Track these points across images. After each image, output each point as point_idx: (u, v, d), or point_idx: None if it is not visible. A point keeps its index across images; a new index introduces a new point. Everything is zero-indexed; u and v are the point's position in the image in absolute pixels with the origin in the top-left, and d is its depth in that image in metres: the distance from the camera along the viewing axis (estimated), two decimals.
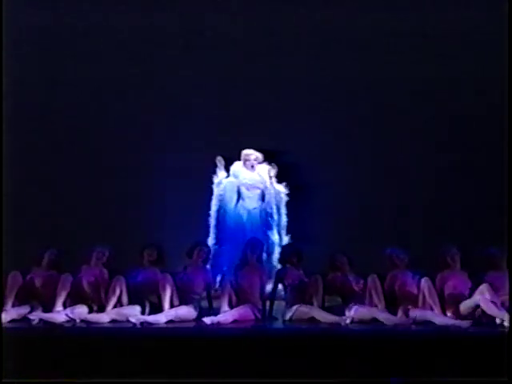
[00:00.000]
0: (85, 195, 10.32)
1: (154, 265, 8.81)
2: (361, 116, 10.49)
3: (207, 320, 8.10)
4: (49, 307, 8.42)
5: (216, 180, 10.19)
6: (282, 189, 10.22)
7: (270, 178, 10.16)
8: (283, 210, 10.14)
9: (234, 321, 8.27)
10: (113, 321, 8.25)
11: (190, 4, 10.27)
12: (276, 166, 10.14)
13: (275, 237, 10.07)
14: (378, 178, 10.43)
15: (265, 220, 10.12)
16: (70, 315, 8.16)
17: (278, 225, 10.12)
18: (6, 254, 8.46)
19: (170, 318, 8.28)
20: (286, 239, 10.09)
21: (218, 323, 8.10)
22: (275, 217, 10.14)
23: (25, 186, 10.08)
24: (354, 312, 8.25)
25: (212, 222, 10.12)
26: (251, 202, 10.17)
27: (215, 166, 10.18)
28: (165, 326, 8.14)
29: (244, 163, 10.26)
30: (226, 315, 8.29)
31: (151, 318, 8.18)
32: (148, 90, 10.41)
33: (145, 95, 10.41)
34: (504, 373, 7.10)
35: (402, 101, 10.42)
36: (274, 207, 10.16)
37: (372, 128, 10.48)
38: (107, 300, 8.42)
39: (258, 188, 10.23)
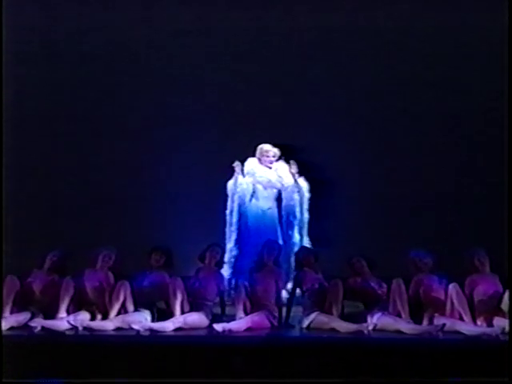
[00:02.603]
0: (91, 196, 10.15)
1: (162, 269, 8.43)
2: (385, 111, 10.25)
3: (218, 327, 7.69)
4: (50, 313, 8.03)
5: (234, 185, 9.60)
6: (304, 184, 9.70)
7: (293, 174, 9.59)
8: (305, 207, 9.64)
9: (248, 328, 7.86)
10: (117, 328, 7.86)
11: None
12: (295, 162, 9.60)
13: (296, 238, 9.58)
14: (404, 176, 10.14)
15: (286, 220, 9.61)
16: (73, 322, 7.79)
17: (300, 224, 9.61)
18: (7, 257, 8.31)
19: (178, 325, 7.87)
20: (306, 240, 9.58)
21: (230, 331, 7.68)
22: (298, 215, 9.63)
23: (27, 187, 9.96)
24: (376, 319, 7.85)
25: (233, 225, 9.58)
26: (266, 202, 9.64)
27: (232, 170, 9.60)
28: (173, 333, 7.76)
29: (260, 160, 9.71)
30: (240, 322, 7.88)
31: (157, 325, 7.80)
32: (153, 87, 10.24)
33: (150, 93, 10.25)
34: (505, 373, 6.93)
35: (427, 98, 10.23)
36: (298, 205, 9.63)
37: (399, 124, 10.24)
38: (111, 306, 8.04)
39: (275, 187, 9.68)
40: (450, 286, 7.88)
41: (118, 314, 8.01)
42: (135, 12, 10.07)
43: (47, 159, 10.18)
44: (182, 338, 7.64)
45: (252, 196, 9.62)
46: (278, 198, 9.73)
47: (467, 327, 7.69)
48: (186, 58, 10.22)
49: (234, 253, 9.49)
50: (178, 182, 10.12)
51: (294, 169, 9.60)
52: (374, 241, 9.54)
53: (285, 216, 9.63)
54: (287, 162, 9.69)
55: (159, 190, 10.13)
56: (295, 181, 9.60)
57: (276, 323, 8.12)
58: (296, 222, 9.60)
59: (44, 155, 10.17)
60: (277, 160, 9.74)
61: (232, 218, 9.63)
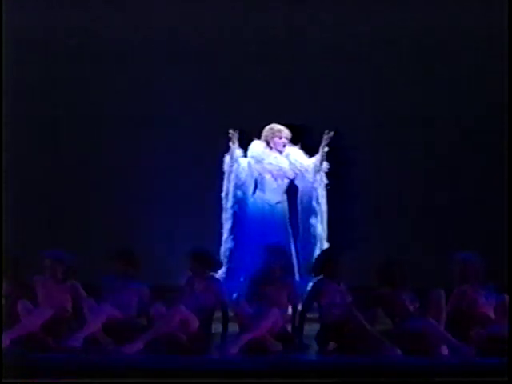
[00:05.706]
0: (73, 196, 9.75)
1: (131, 277, 7.40)
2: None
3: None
4: None
5: (230, 161, 8.47)
6: (325, 165, 8.55)
7: (323, 150, 8.32)
8: (324, 193, 8.58)
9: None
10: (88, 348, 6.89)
11: None
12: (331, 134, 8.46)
13: (313, 231, 8.45)
14: (440, 163, 9.42)
15: (301, 212, 8.46)
16: None
17: (319, 217, 8.48)
18: None
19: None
20: (324, 235, 8.52)
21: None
22: (315, 205, 8.45)
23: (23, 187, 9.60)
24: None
25: (228, 217, 8.47)
26: (275, 195, 8.44)
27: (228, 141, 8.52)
28: (161, 355, 6.82)
29: (269, 143, 8.48)
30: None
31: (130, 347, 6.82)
32: (149, 85, 9.78)
33: (145, 91, 9.76)
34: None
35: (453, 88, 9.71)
36: (319, 191, 8.47)
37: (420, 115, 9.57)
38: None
39: (287, 177, 8.49)
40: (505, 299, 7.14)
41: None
42: (135, 11, 9.83)
43: (46, 159, 9.82)
44: (175, 361, 6.67)
45: (256, 187, 8.47)
46: (289, 190, 8.58)
47: None
48: (187, 54, 9.82)
49: (229, 245, 8.41)
50: (176, 180, 9.41)
51: (327, 141, 8.34)
52: (406, 243, 8.94)
53: (300, 206, 8.51)
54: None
55: (152, 189, 9.48)
56: (321, 158, 8.36)
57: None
58: (314, 214, 8.46)
59: (42, 155, 9.83)
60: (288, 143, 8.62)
61: (228, 202, 8.51)
